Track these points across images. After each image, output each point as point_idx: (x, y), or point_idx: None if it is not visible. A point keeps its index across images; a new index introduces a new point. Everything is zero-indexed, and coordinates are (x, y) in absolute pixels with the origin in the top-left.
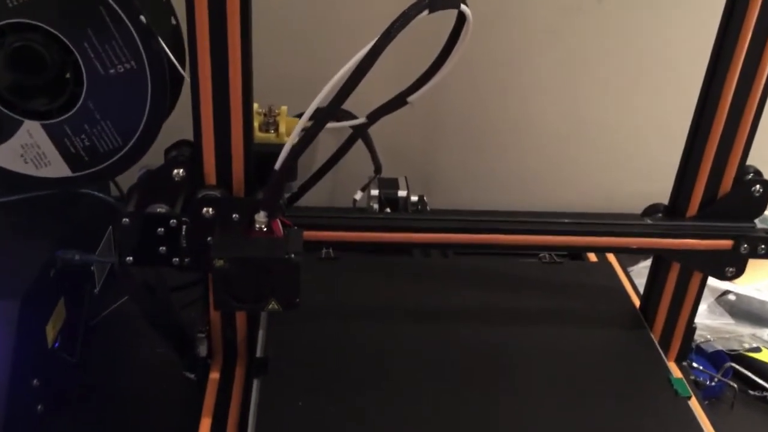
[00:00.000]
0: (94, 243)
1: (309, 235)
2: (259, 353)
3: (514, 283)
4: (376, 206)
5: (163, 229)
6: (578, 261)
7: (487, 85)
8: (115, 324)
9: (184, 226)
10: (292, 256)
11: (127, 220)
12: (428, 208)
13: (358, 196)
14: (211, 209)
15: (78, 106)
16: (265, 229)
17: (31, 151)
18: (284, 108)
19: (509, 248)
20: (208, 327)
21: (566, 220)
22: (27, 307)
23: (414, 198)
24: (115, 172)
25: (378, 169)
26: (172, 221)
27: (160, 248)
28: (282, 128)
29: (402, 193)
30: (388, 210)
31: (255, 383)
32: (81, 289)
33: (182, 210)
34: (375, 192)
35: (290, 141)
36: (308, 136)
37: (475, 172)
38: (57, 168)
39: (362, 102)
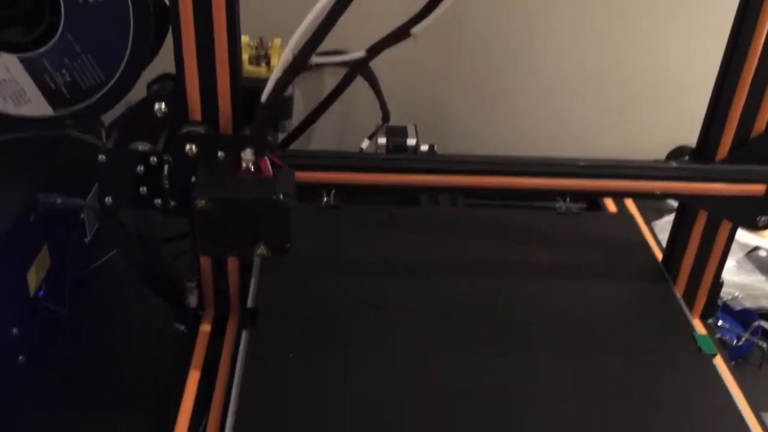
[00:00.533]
0: (85, 189)
1: (303, 176)
2: (250, 303)
3: (528, 236)
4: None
5: (143, 168)
6: (596, 212)
7: (502, 31)
8: (108, 275)
9: (166, 165)
10: (281, 196)
11: (104, 157)
12: None
13: (365, 144)
14: (194, 146)
15: (56, 38)
16: (252, 169)
17: (9, 86)
18: (278, 41)
19: (521, 193)
20: (198, 276)
21: (582, 163)
22: (3, 252)
23: (424, 147)
24: (99, 111)
25: (386, 116)
26: (152, 158)
27: (141, 189)
28: (274, 62)
29: (411, 141)
30: None
31: (243, 334)
32: (68, 237)
33: (164, 148)
34: (383, 140)
35: (275, 73)
36: (293, 66)
37: (488, 122)
38: (37, 106)
39: (366, 39)
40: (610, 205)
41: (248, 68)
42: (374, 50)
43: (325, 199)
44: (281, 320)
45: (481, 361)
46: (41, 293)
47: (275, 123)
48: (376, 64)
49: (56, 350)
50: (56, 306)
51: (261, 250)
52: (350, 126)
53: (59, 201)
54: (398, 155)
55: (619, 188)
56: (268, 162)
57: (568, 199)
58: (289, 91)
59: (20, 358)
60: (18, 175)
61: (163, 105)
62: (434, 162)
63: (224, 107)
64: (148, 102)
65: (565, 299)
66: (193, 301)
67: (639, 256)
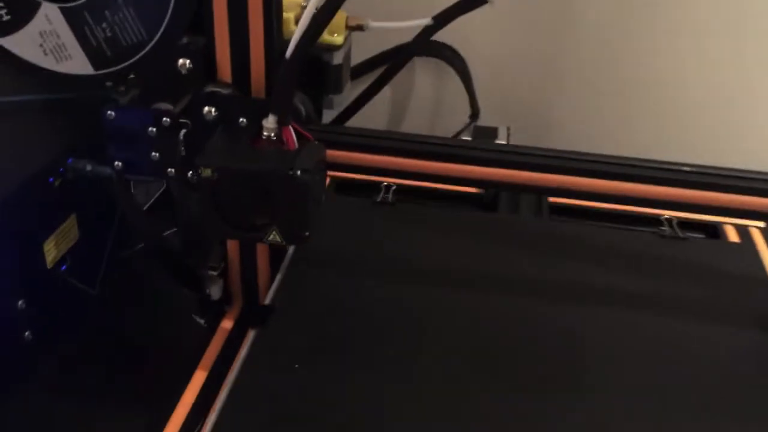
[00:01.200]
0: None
1: (342, 156)
2: (267, 300)
3: (619, 258)
4: None
5: (155, 130)
6: (711, 239)
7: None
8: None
9: (183, 130)
10: (298, 172)
11: (112, 113)
12: None
13: None
14: (214, 110)
15: None
16: (274, 139)
17: (51, 39)
18: None
19: (608, 199)
20: (223, 264)
21: (687, 168)
22: (12, 216)
23: None
24: (140, 73)
25: (475, 114)
26: (164, 120)
27: (153, 154)
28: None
29: (500, 143)
30: None
31: (250, 334)
32: (106, 211)
33: (184, 111)
34: (468, 138)
35: (300, 26)
36: (317, 22)
37: (592, 131)
38: (78, 63)
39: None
40: (732, 233)
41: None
42: (443, 18)
43: (382, 194)
44: (296, 324)
45: (534, 410)
46: (64, 267)
47: (319, 95)
48: (471, 59)
49: (72, 331)
50: (83, 284)
51: (273, 236)
52: (438, 123)
53: (89, 168)
54: (470, 142)
55: (733, 205)
56: (292, 132)
57: (675, 222)
58: (336, 60)
59: (26, 334)
60: (47, 137)
61: (188, 62)
62: (501, 153)
63: (257, 71)
64: (173, 56)
65: (658, 342)
66: (215, 292)
67: (762, 296)
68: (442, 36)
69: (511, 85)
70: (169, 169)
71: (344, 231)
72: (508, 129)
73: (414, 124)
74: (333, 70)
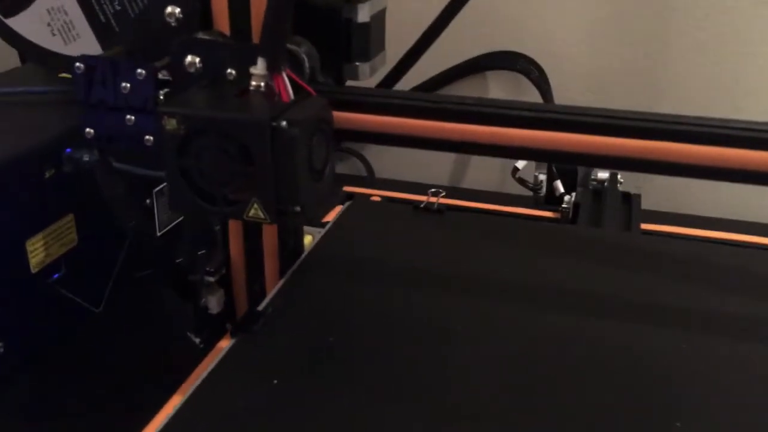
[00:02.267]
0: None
1: (356, 119)
2: (261, 306)
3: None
4: (542, 177)
5: (128, 86)
6: None
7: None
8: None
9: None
10: (283, 123)
11: (81, 65)
12: (620, 187)
13: (521, 164)
14: (198, 60)
15: None
16: (263, 90)
17: (58, 18)
18: None
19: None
20: (224, 270)
21: None
22: None
23: (603, 174)
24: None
25: None
26: (138, 72)
27: (128, 117)
28: None
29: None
30: (560, 187)
31: (229, 342)
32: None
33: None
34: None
35: None
36: None
37: None
38: (87, 42)
39: None
40: None
41: None
42: None
43: (427, 199)
44: (286, 335)
45: None
46: (56, 275)
47: (338, 62)
48: (552, 57)
49: (57, 346)
50: (81, 298)
51: (254, 209)
52: None
53: (86, 158)
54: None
55: None
56: (286, 81)
57: None
58: (362, 17)
59: None
60: (47, 127)
61: (177, 10)
62: (541, 112)
63: (259, 18)
64: (157, 4)
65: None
66: (213, 304)
67: None
68: (519, 45)
69: (604, 99)
70: (147, 137)
71: (374, 236)
72: None
73: None
74: (357, 29)
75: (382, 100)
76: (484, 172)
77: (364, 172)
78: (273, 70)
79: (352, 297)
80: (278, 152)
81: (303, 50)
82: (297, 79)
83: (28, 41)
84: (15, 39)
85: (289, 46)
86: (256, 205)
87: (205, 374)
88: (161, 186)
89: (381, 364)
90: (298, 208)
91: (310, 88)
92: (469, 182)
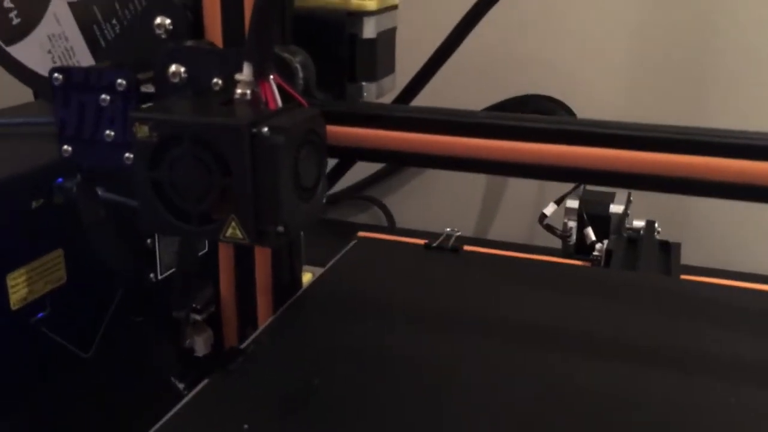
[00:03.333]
0: None
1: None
2: (245, 344)
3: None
4: (572, 224)
5: (107, 98)
6: None
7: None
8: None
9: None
10: (265, 130)
11: (59, 75)
12: (657, 237)
13: (550, 210)
14: (182, 69)
15: None
16: (249, 97)
17: (59, 45)
18: None
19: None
20: (212, 308)
21: None
22: None
23: (638, 222)
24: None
25: None
26: (119, 82)
27: (106, 132)
28: None
29: (616, 208)
30: (591, 234)
31: (203, 381)
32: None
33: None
34: (573, 204)
35: None
36: None
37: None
38: None
39: None
40: None
41: None
42: None
43: (443, 237)
44: (266, 376)
45: None
46: (40, 315)
47: (340, 80)
48: (582, 87)
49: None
50: (67, 340)
51: (232, 228)
52: (541, 185)
53: (75, 189)
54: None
55: None
56: (273, 88)
57: None
58: (367, 32)
59: None
60: (38, 156)
61: (167, 21)
62: (567, 125)
63: None
64: (145, 16)
65: None
66: (200, 346)
67: None
68: (545, 87)
69: None
70: (126, 154)
71: (378, 274)
72: (630, 194)
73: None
74: (362, 45)
75: (382, 113)
76: (511, 224)
77: (384, 222)
78: (259, 75)
79: (344, 337)
80: (259, 162)
81: (297, 60)
82: (287, 88)
83: (29, 69)
84: (16, 68)
85: (282, 54)
86: (234, 224)
87: (168, 416)
88: None
89: (366, 414)
90: (281, 228)
91: (302, 99)
92: (495, 234)
